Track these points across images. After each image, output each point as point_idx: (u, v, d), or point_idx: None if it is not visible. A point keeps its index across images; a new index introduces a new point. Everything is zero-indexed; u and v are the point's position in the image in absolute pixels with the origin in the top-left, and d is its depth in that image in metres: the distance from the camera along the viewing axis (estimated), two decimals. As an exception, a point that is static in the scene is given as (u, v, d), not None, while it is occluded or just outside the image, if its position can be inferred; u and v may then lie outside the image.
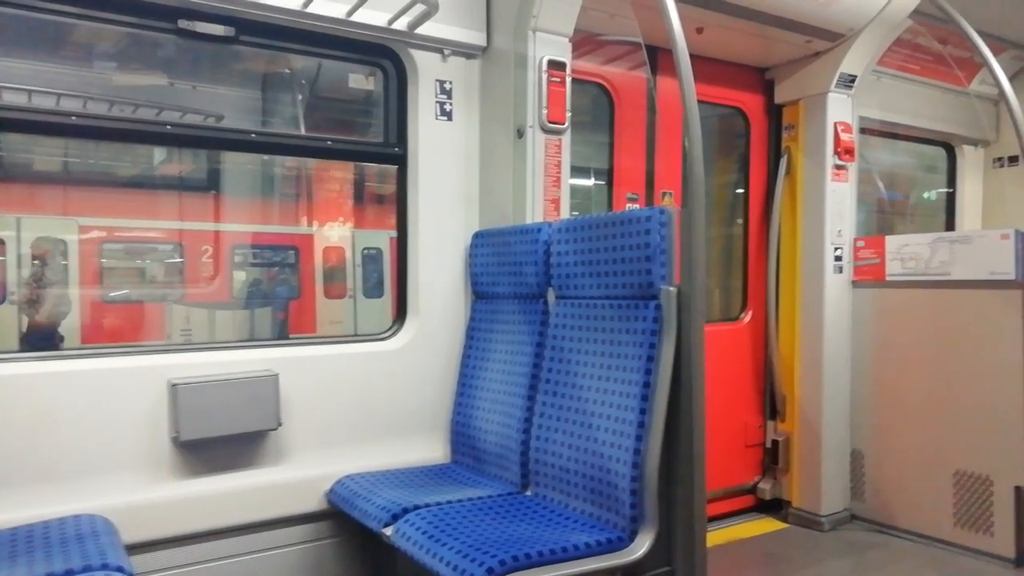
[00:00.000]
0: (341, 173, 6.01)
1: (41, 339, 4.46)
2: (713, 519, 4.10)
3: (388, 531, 2.43)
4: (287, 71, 4.82)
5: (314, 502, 2.88)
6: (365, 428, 3.03)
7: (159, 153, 5.52)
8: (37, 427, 2.43)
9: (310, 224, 6.19)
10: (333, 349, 3.04)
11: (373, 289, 6.33)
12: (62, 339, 4.69)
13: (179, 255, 5.79)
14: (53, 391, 2.46)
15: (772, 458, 4.32)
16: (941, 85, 4.90)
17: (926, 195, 5.80)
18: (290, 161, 5.77)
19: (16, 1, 2.51)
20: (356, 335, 3.42)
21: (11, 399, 2.40)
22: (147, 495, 2.59)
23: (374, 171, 5.81)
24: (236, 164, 5.61)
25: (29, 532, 2.25)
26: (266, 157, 5.58)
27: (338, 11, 2.86)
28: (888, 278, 4.03)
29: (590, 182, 4.19)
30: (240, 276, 6.04)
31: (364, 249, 6.33)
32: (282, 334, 5.88)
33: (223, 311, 5.77)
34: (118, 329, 5.25)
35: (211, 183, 5.73)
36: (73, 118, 2.62)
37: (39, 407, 2.44)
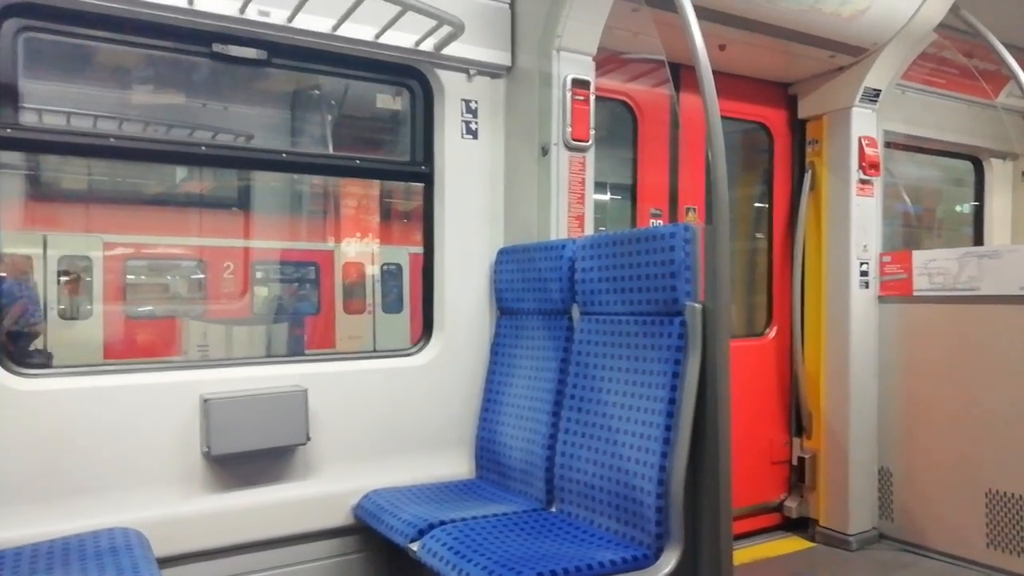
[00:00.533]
0: (361, 190, 6.07)
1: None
2: (738, 537, 4.06)
3: (414, 546, 2.45)
4: (316, 92, 4.90)
5: (341, 517, 2.91)
6: (391, 443, 3.06)
7: (180, 171, 5.60)
8: (73, 441, 2.49)
9: (330, 240, 6.25)
10: (360, 365, 3.07)
11: (392, 304, 6.38)
12: (46, 357, 4.66)
13: (201, 271, 5.86)
14: (88, 406, 2.51)
15: (798, 475, 4.28)
16: (968, 98, 4.86)
17: (958, 208, 5.72)
18: (310, 178, 5.83)
19: (60, 28, 2.60)
20: (383, 351, 3.45)
21: (48, 413, 2.46)
22: (179, 509, 2.63)
23: (393, 188, 5.86)
24: (256, 182, 5.67)
25: (65, 545, 2.30)
26: (285, 175, 5.64)
27: (367, 33, 2.93)
28: (915, 293, 3.99)
29: (606, 196, 4.20)
30: (261, 292, 6.11)
31: (383, 265, 6.38)
32: (301, 350, 5.91)
33: (245, 327, 5.82)
34: (138, 345, 5.30)
35: (232, 201, 5.80)
36: (112, 140, 2.71)
37: (75, 421, 2.49)
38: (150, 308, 5.56)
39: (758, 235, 4.52)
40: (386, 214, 6.29)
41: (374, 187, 5.98)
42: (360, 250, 6.36)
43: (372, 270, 6.41)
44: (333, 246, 6.26)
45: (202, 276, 5.86)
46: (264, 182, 5.72)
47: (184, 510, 2.64)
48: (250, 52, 2.84)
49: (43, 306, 4.97)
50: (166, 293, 5.76)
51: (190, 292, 5.82)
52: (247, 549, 2.74)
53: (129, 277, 5.55)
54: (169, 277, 5.86)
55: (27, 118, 2.66)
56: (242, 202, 5.79)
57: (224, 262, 5.77)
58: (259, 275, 6.09)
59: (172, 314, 5.57)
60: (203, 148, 2.96)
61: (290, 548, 2.82)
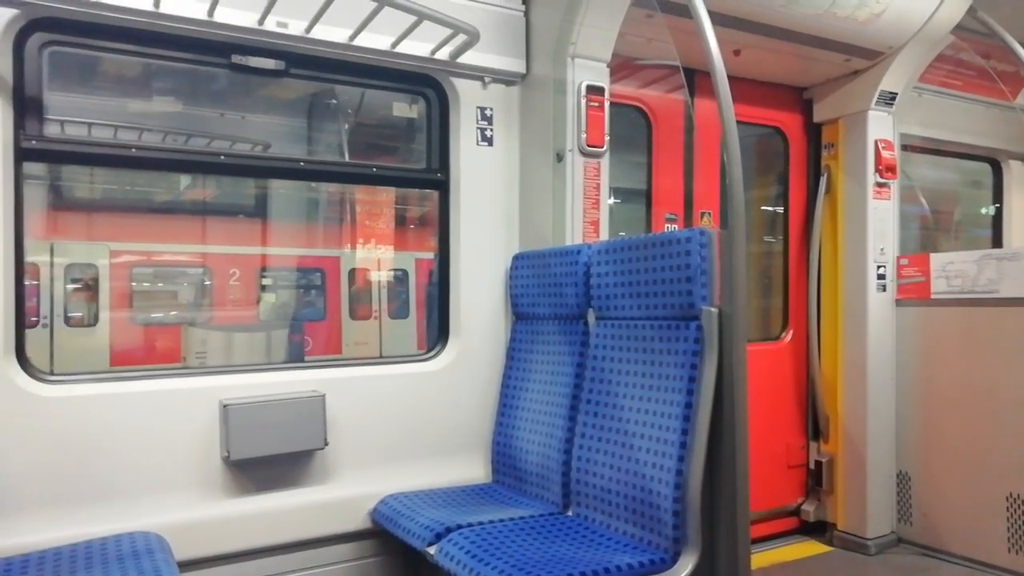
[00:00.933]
0: (368, 196, 6.08)
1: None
2: (756, 541, 4.04)
3: (432, 550, 2.46)
4: (333, 101, 4.94)
5: (359, 521, 2.93)
6: (408, 448, 3.08)
7: (184, 179, 5.61)
8: (95, 447, 2.53)
9: (336, 247, 6.26)
10: (377, 370, 3.10)
11: (399, 310, 6.38)
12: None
13: (207, 279, 5.85)
14: (110, 412, 2.55)
15: (816, 479, 4.26)
16: (985, 100, 4.83)
17: (984, 210, 5.66)
18: (316, 185, 5.81)
19: (83, 42, 2.65)
20: (400, 356, 3.48)
21: (71, 419, 2.50)
22: (199, 513, 2.66)
23: (400, 194, 5.87)
24: (261, 189, 5.66)
25: (88, 549, 2.34)
26: (290, 182, 5.62)
27: (383, 43, 2.96)
28: (933, 296, 3.97)
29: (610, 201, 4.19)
30: (267, 298, 6.10)
31: (390, 271, 6.38)
32: (304, 356, 5.89)
33: (251, 334, 5.80)
34: (143, 352, 5.32)
35: (237, 208, 5.80)
36: (133, 150, 2.76)
37: (97, 427, 2.53)
38: (156, 315, 5.56)
39: (774, 239, 4.52)
40: (392, 220, 6.29)
41: (381, 193, 5.99)
42: (366, 256, 6.36)
43: (378, 276, 6.41)
44: (339, 252, 6.26)
45: (208, 283, 5.86)
46: (269, 189, 5.73)
47: (204, 514, 2.67)
48: (268, 63, 2.88)
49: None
50: (171, 300, 5.75)
51: (197, 299, 5.82)
52: (266, 553, 2.77)
53: (135, 284, 5.57)
54: (174, 284, 5.86)
55: (51, 129, 2.71)
56: (247, 209, 5.80)
57: (230, 269, 5.78)
58: (265, 282, 6.09)
59: (177, 321, 5.57)
60: (222, 157, 3.00)
61: (308, 552, 2.85)
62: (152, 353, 5.37)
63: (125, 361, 5.18)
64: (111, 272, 5.30)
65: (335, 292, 6.18)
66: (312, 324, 6.18)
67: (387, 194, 5.96)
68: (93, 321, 5.29)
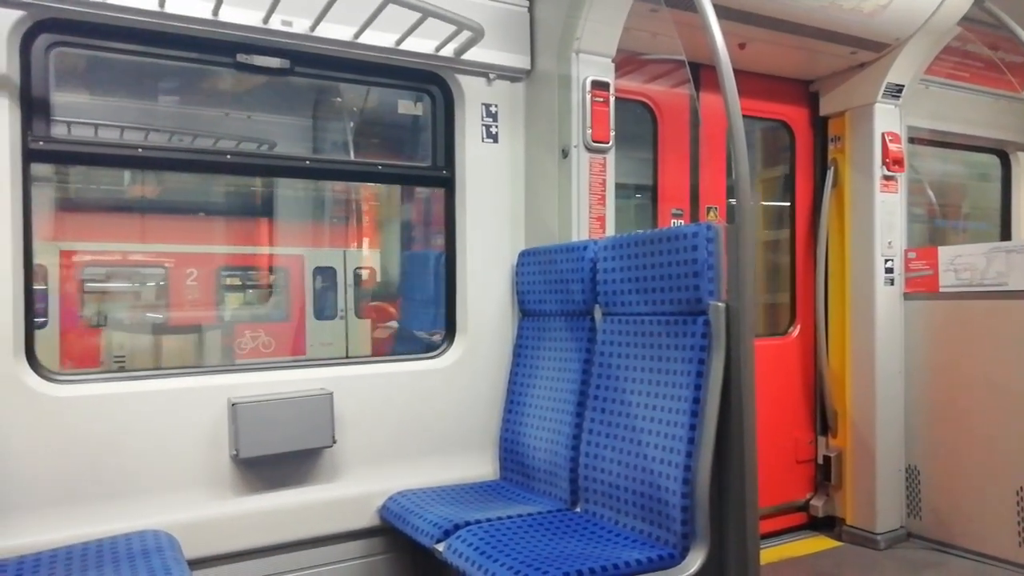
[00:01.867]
0: (334, 195, 5.99)
1: None
2: (764, 536, 4.04)
3: (440, 547, 2.47)
4: (338, 99, 4.92)
5: (367, 518, 2.94)
6: (416, 445, 3.09)
7: (127, 175, 5.49)
8: (105, 446, 2.54)
9: (299, 245, 6.18)
10: (384, 368, 3.10)
11: (365, 310, 6.31)
12: None
13: (165, 279, 5.72)
14: (120, 411, 2.57)
15: (824, 474, 4.25)
16: (993, 91, 4.80)
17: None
18: (280, 180, 5.66)
19: (89, 43, 2.66)
20: (408, 353, 3.49)
21: (80, 419, 2.51)
22: (208, 511, 2.67)
23: (367, 191, 5.81)
24: (221, 185, 5.53)
25: (99, 547, 2.35)
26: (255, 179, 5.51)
27: (387, 40, 2.96)
28: (942, 290, 3.95)
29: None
30: (225, 299, 5.97)
31: (356, 269, 6.32)
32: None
33: (210, 335, 5.69)
34: (93, 353, 5.25)
35: (198, 206, 5.69)
36: (139, 150, 2.77)
37: (106, 426, 2.54)
38: (108, 317, 5.46)
39: (780, 233, 4.50)
40: (358, 217, 6.22)
41: (349, 191, 5.91)
42: (331, 255, 6.29)
43: (344, 275, 6.33)
44: (303, 251, 6.19)
45: (164, 283, 5.74)
46: (230, 186, 5.63)
47: (213, 512, 2.68)
48: (273, 62, 2.88)
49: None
50: (126, 302, 5.63)
51: (157, 300, 5.71)
52: (275, 551, 2.78)
53: (86, 285, 5.46)
54: (127, 285, 5.74)
55: (58, 130, 2.71)
56: (208, 207, 5.69)
57: (187, 269, 5.66)
58: (225, 281, 5.98)
59: (126, 325, 5.46)
60: (228, 156, 3.01)
61: (317, 549, 2.86)
62: (96, 355, 5.24)
63: (77, 364, 5.12)
64: (60, 273, 5.23)
65: (299, 292, 6.09)
66: (275, 325, 6.07)
67: (354, 192, 5.90)
68: (43, 324, 5.23)
